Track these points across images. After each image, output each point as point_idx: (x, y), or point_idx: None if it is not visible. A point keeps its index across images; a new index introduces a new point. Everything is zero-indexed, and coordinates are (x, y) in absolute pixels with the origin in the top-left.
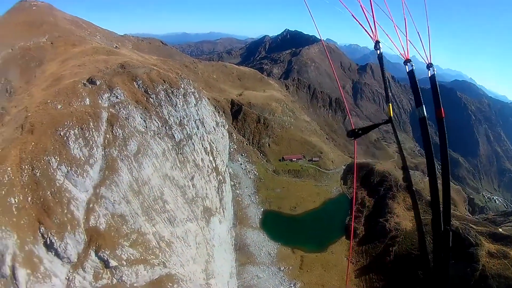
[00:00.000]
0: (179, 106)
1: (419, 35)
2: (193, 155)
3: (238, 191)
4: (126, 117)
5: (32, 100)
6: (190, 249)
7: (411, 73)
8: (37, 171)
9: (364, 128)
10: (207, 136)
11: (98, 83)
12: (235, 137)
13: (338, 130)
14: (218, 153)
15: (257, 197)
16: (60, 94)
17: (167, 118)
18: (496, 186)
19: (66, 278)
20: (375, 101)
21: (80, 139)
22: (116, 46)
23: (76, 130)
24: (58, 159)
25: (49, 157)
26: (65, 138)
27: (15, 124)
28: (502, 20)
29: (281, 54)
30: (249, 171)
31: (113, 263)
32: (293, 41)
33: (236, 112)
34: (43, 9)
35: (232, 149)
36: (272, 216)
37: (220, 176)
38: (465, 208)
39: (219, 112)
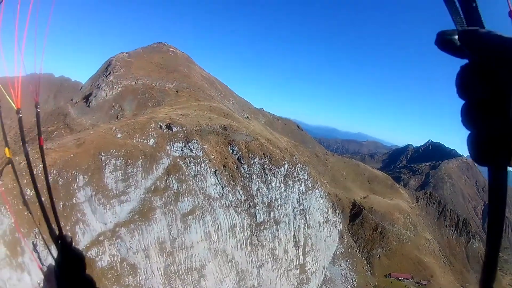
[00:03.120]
0: (274, 186)
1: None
2: (273, 243)
3: None
4: (194, 174)
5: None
6: None
7: (20, 120)
8: (60, 179)
9: None
10: (305, 229)
11: (174, 129)
12: (346, 240)
13: (458, 254)
14: (313, 251)
15: None
16: (128, 125)
17: (254, 194)
18: None
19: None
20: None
21: (120, 172)
22: (247, 116)
23: (118, 161)
24: (87, 179)
25: (77, 173)
26: (103, 164)
27: (78, 136)
28: None
29: (421, 165)
30: (348, 280)
31: None
32: (435, 153)
33: (355, 215)
34: (179, 57)
35: (338, 252)
36: None
37: (304, 276)
38: None
39: (335, 210)
